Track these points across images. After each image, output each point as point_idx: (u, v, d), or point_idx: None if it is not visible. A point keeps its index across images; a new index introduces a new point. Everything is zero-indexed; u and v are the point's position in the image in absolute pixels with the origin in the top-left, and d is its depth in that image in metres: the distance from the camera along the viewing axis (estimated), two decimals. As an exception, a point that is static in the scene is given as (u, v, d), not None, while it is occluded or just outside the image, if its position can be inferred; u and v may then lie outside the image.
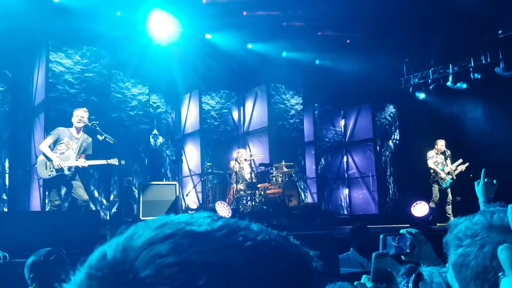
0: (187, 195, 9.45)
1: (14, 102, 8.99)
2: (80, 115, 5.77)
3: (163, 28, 9.05)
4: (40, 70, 8.21)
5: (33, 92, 8.54)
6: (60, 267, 2.80)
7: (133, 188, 8.72)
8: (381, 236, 2.30)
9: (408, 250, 2.05)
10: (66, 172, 5.63)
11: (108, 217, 8.00)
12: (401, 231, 2.16)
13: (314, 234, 4.90)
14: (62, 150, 5.70)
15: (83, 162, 5.76)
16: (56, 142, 5.69)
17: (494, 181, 2.33)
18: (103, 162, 5.97)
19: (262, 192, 8.48)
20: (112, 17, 8.66)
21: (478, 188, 2.34)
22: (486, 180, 2.31)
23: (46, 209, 5.61)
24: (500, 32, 9.75)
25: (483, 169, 2.35)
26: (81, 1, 8.19)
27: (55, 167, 5.58)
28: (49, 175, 5.58)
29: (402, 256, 2.04)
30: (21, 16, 7.61)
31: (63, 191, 6.07)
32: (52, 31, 8.05)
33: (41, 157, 5.69)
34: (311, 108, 11.82)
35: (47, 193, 5.80)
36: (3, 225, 3.96)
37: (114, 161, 5.89)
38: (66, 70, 8.01)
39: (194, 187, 9.87)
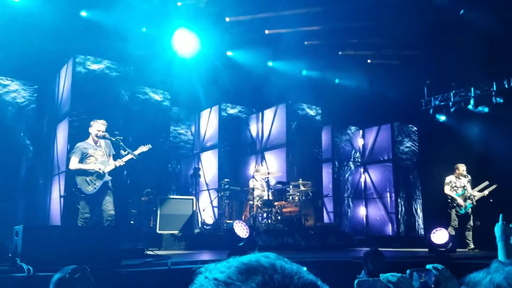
0: (203, 210, 9.50)
1: (39, 111, 9.20)
2: (101, 128, 5.89)
3: (186, 45, 9.24)
4: (66, 81, 8.41)
5: (58, 102, 8.74)
6: (85, 285, 2.85)
7: (151, 201, 8.78)
8: (407, 271, 2.30)
9: (433, 286, 2.05)
10: (108, 177, 5.74)
11: (127, 230, 8.05)
12: (427, 266, 2.16)
13: (333, 261, 4.86)
14: (93, 162, 5.81)
15: (118, 162, 5.88)
16: (83, 158, 5.78)
17: (511, 225, 2.41)
18: (136, 152, 6.06)
19: (279, 210, 8.47)
20: (138, 33, 8.87)
21: (497, 229, 2.42)
22: (504, 223, 2.38)
23: (78, 222, 5.63)
24: (523, 56, 9.65)
25: (501, 214, 2.43)
26: (108, 17, 8.41)
27: (98, 172, 5.65)
28: (95, 188, 5.65)
29: (428, 292, 2.03)
30: (49, 28, 7.85)
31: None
32: (79, 44, 8.27)
33: (78, 177, 5.74)
34: (329, 127, 11.81)
35: (78, 205, 5.84)
36: (27, 239, 4.04)
37: (144, 148, 6.03)
38: (91, 82, 8.18)
39: (211, 202, 9.90)
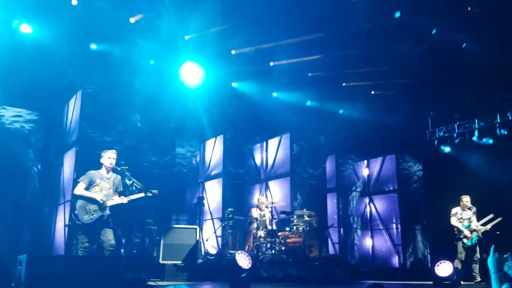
0: (207, 240, 9.45)
1: (46, 140, 9.36)
2: (112, 157, 5.96)
3: (193, 76, 9.47)
4: (75, 110, 8.61)
5: (65, 131, 8.91)
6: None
7: (154, 230, 8.77)
8: None
9: None
10: (107, 212, 5.76)
11: (127, 260, 8.02)
12: None
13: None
14: (97, 192, 5.84)
15: (122, 199, 5.89)
16: (89, 186, 5.82)
17: (505, 255, 2.47)
18: (141, 195, 6.06)
19: (282, 241, 8.41)
20: (146, 66, 9.12)
21: (489, 261, 2.47)
22: (496, 254, 2.43)
23: (78, 252, 5.61)
24: (527, 88, 9.73)
25: (493, 245, 2.50)
26: (116, 49, 8.68)
27: (96, 208, 5.71)
28: (91, 219, 5.64)
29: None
30: (59, 59, 8.09)
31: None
32: (89, 75, 8.50)
33: (79, 202, 5.74)
34: (334, 156, 11.85)
35: (77, 235, 5.84)
36: (30, 268, 4.07)
37: (149, 193, 6.01)
38: (99, 113, 8.36)
39: (215, 231, 9.87)
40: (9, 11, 7.95)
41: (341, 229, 11.44)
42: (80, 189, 5.75)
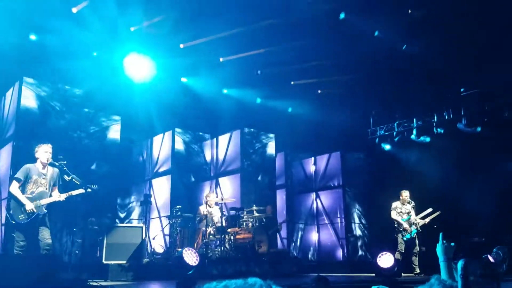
0: (153, 239, 9.25)
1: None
2: (48, 151, 5.67)
3: (139, 70, 9.22)
4: (12, 104, 8.10)
5: (2, 126, 8.37)
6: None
7: (97, 230, 8.45)
8: None
9: None
10: (43, 210, 5.48)
11: (69, 260, 7.67)
12: (373, 287, 2.26)
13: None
14: (32, 189, 5.54)
15: (59, 197, 5.63)
16: (25, 182, 5.53)
17: (452, 243, 2.52)
18: (81, 191, 5.83)
19: (232, 237, 8.41)
20: (89, 57, 8.76)
21: (438, 249, 2.53)
22: (444, 242, 2.49)
23: (14, 251, 5.30)
24: (462, 90, 10.36)
25: (441, 233, 2.55)
26: (57, 41, 8.27)
27: (28, 212, 5.41)
28: (27, 218, 5.37)
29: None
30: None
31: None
32: (27, 67, 8.04)
33: (13, 202, 5.47)
34: (283, 153, 12.03)
35: (13, 234, 5.53)
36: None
37: (89, 189, 5.77)
38: (37, 105, 7.92)
39: (162, 230, 9.68)
40: None
41: (289, 225, 11.64)
42: (14, 187, 5.45)
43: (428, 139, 10.88)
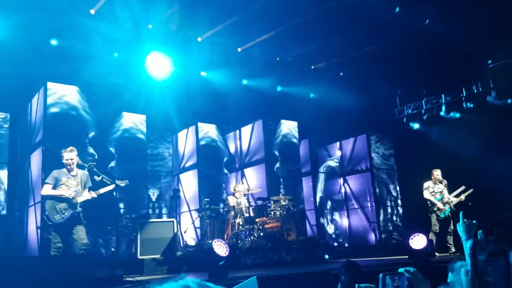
0: (185, 232, 9.38)
1: (12, 141, 9.04)
2: (69, 157, 5.79)
3: (160, 67, 9.29)
4: (38, 109, 8.33)
5: (30, 131, 8.62)
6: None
7: (131, 226, 8.65)
8: (380, 275, 2.34)
9: None
10: (78, 209, 5.63)
11: (105, 258, 7.89)
12: (400, 270, 2.20)
13: (311, 273, 4.87)
14: (64, 190, 5.69)
15: (91, 194, 5.77)
16: (55, 186, 5.68)
17: (474, 221, 2.46)
18: (111, 187, 5.98)
19: (261, 227, 8.44)
20: (110, 59, 8.88)
21: (459, 228, 2.47)
22: (465, 220, 2.43)
23: (51, 253, 5.48)
24: (490, 62, 9.97)
25: (461, 211, 2.51)
26: (77, 44, 8.41)
27: (69, 199, 5.53)
28: (63, 218, 5.52)
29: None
30: (19, 57, 7.79)
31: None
32: (50, 72, 8.22)
33: (49, 203, 5.61)
34: (307, 140, 11.92)
35: (49, 235, 5.73)
36: (2, 271, 3.93)
37: (121, 184, 5.92)
38: (63, 109, 8.11)
39: (193, 223, 9.81)
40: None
41: (318, 211, 11.58)
42: (47, 190, 5.61)
43: (458, 115, 10.55)
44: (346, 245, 11.81)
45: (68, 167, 5.77)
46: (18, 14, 7.76)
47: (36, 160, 8.09)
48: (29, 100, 8.76)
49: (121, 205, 8.89)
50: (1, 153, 8.81)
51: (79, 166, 5.87)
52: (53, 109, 7.99)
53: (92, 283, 4.40)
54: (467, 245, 2.42)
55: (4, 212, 8.48)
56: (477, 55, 9.85)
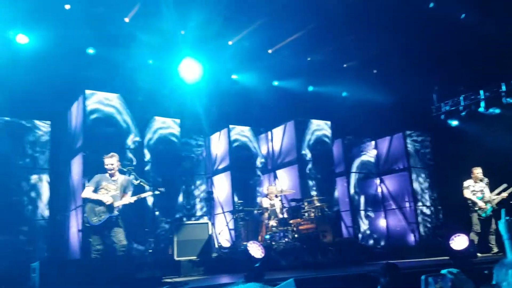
0: (219, 234, 9.48)
1: (53, 147, 9.39)
2: (110, 163, 6.00)
3: (191, 71, 9.45)
4: (78, 117, 8.63)
5: (70, 137, 8.95)
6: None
7: (167, 228, 8.82)
8: (422, 277, 2.27)
9: None
10: (115, 212, 5.82)
11: (143, 259, 8.08)
12: (442, 271, 2.13)
13: (349, 275, 4.81)
14: (104, 194, 5.89)
15: (130, 199, 5.97)
16: (96, 189, 5.90)
17: None
18: (149, 193, 6.16)
19: (295, 228, 8.39)
20: (145, 66, 9.11)
21: (501, 226, 2.38)
22: (507, 218, 2.34)
23: (92, 255, 5.69)
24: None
25: (503, 209, 2.42)
26: (113, 52, 8.67)
27: (104, 209, 5.75)
28: (100, 220, 5.73)
29: (444, 297, 2.01)
30: (57, 66, 8.14)
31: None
32: (88, 80, 8.52)
33: (88, 205, 5.85)
34: (340, 139, 11.77)
35: (89, 238, 5.95)
36: (44, 275, 4.10)
37: (157, 191, 6.08)
38: (101, 115, 8.37)
39: (227, 224, 9.89)
40: (4, 23, 7.97)
41: (353, 212, 11.40)
42: (87, 192, 5.82)
43: (497, 111, 10.15)
44: (384, 246, 11.56)
45: (110, 171, 5.97)
46: (56, 25, 8.10)
47: (77, 165, 8.38)
48: (69, 108, 9.10)
49: (157, 208, 9.07)
50: (43, 160, 9.17)
51: (121, 172, 6.06)
52: (92, 116, 8.27)
53: (133, 284, 4.52)
54: (509, 244, 2.32)
55: (46, 216, 8.82)
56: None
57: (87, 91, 8.30)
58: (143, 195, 6.13)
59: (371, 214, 11.94)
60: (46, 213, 8.80)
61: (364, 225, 11.65)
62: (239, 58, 9.92)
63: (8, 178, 8.38)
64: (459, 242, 6.49)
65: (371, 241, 11.52)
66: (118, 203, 5.84)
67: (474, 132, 10.71)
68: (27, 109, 8.75)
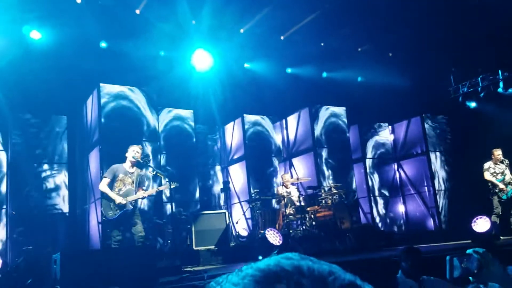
0: (237, 223, 9.50)
1: (70, 142, 9.51)
2: (136, 151, 6.06)
3: (204, 61, 9.41)
4: (93, 111, 8.70)
5: (87, 131, 9.04)
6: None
7: (185, 219, 8.87)
8: (447, 258, 2.21)
9: (475, 271, 1.97)
10: (129, 207, 5.88)
11: (163, 249, 8.15)
12: (468, 251, 2.07)
13: (370, 259, 4.75)
14: (120, 187, 5.97)
15: (143, 193, 6.03)
16: (113, 180, 5.96)
17: None
18: (163, 187, 6.27)
19: (312, 216, 8.36)
20: (157, 57, 9.11)
21: None
22: None
23: (112, 246, 5.80)
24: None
25: None
26: (125, 45, 8.68)
27: (118, 204, 5.82)
28: (115, 214, 5.82)
29: (470, 277, 1.94)
30: (70, 61, 8.19)
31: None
32: (102, 74, 8.56)
33: (104, 200, 5.98)
34: (356, 126, 11.62)
35: (109, 230, 6.06)
36: (65, 265, 4.15)
37: (172, 186, 6.13)
38: (116, 108, 8.42)
39: (244, 214, 9.90)
40: (17, 19, 8.04)
41: (371, 198, 11.29)
42: (104, 185, 5.89)
43: (517, 91, 9.86)
44: (403, 231, 11.44)
45: (131, 161, 6.00)
46: (68, 19, 8.14)
47: (94, 159, 8.47)
48: (84, 102, 9.17)
49: (174, 199, 9.12)
50: (61, 154, 9.30)
51: (138, 163, 6.10)
52: (107, 109, 8.32)
53: (154, 272, 4.55)
54: None
55: (66, 209, 8.96)
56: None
57: (102, 85, 8.35)
58: (159, 189, 6.21)
59: (390, 199, 11.81)
60: (66, 206, 8.94)
61: (382, 211, 11.53)
62: (251, 46, 9.83)
63: (28, 173, 8.52)
64: (481, 224, 6.39)
65: (389, 227, 11.41)
66: (131, 198, 5.89)
67: (493, 113, 10.45)
68: (43, 105, 8.85)
